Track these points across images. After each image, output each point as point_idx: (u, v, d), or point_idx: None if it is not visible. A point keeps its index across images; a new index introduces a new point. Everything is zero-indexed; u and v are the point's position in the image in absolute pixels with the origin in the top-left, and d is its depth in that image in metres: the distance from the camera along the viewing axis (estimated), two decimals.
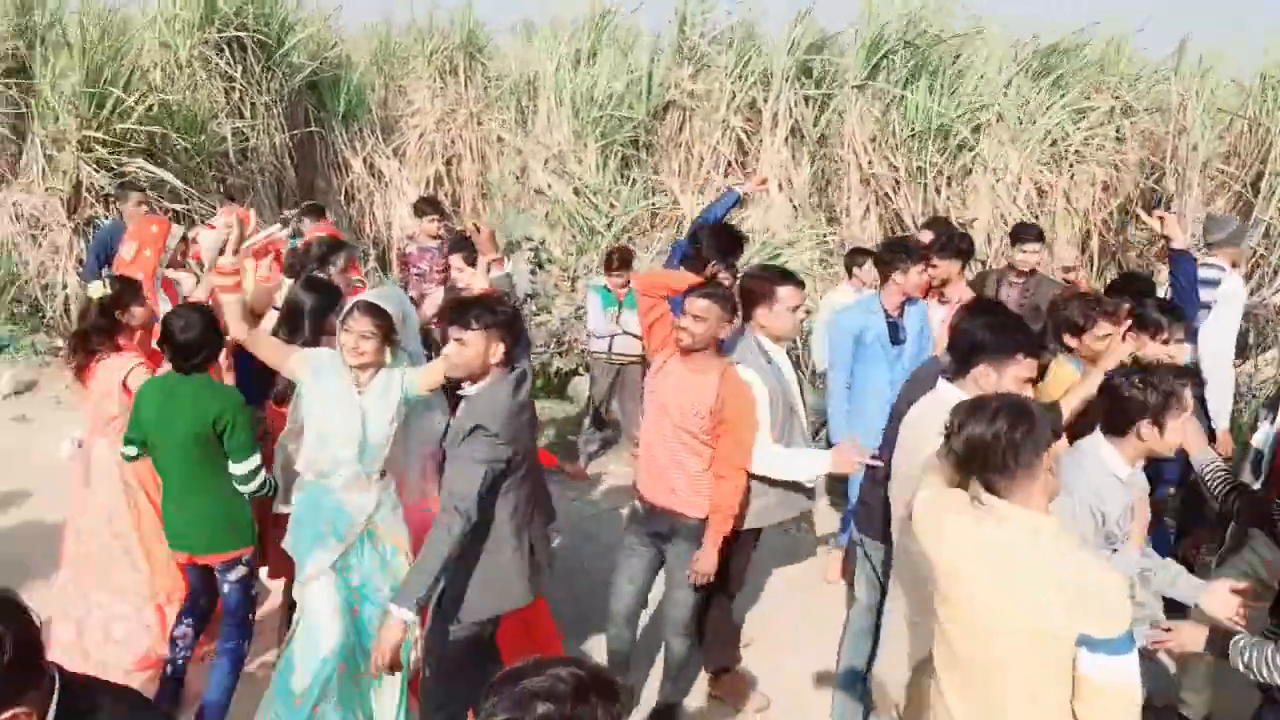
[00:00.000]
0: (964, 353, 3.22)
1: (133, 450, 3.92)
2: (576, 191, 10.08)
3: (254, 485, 3.75)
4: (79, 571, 4.39)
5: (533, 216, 10.10)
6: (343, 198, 12.56)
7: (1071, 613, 2.22)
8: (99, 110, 9.49)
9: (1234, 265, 5.57)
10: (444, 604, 3.47)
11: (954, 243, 5.60)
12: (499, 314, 3.35)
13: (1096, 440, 3.05)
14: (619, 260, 6.67)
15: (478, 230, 4.34)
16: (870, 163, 9.87)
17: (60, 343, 9.24)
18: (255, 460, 3.75)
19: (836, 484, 6.19)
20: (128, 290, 4.36)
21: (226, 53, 11.20)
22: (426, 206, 7.25)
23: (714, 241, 4.84)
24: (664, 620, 4.05)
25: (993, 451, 2.32)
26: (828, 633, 4.85)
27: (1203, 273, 5.27)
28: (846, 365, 4.99)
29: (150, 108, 9.77)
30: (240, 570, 3.87)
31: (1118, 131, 10.17)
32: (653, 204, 10.35)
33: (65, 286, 9.41)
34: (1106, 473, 2.99)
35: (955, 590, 2.45)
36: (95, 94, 9.47)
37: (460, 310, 3.38)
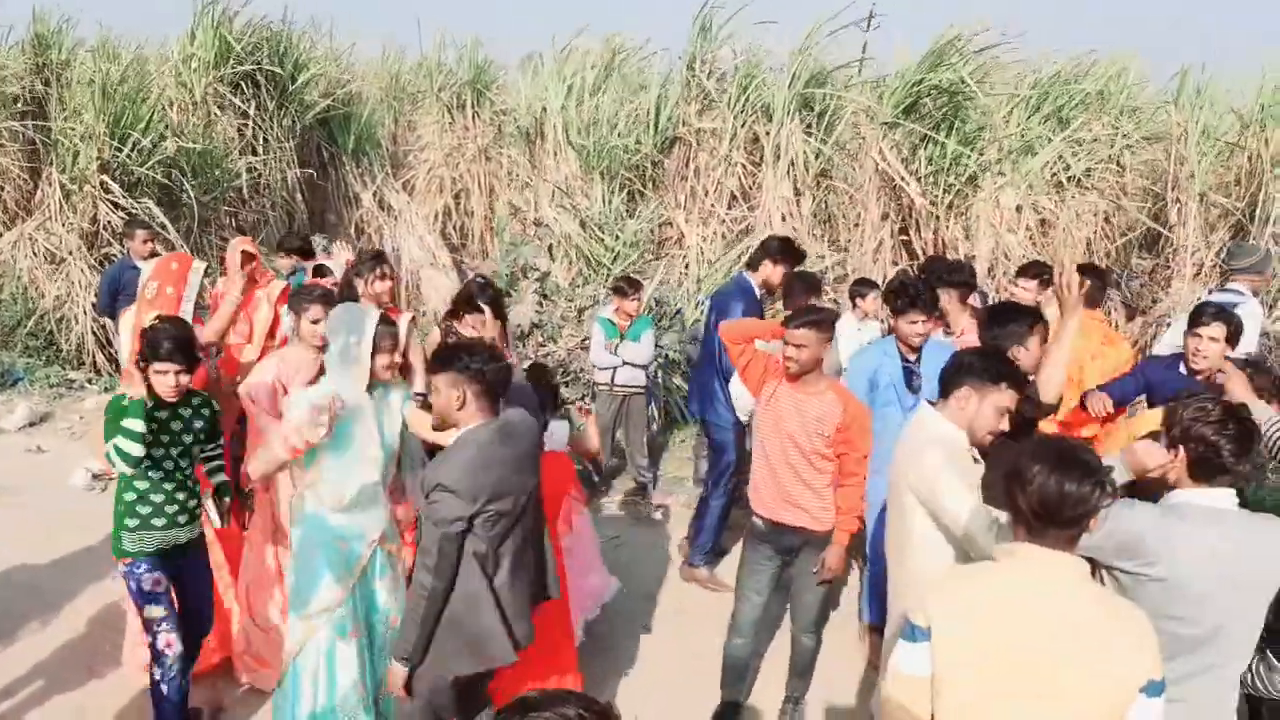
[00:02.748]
0: (949, 375, 3.22)
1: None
2: (583, 224, 10.19)
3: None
4: None
5: (539, 247, 10.22)
6: (353, 231, 12.73)
7: (1137, 657, 2.10)
8: (119, 150, 9.71)
9: (1255, 293, 5.92)
10: (429, 654, 3.23)
11: (949, 275, 5.68)
12: (471, 361, 3.14)
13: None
14: (629, 284, 6.87)
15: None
16: (886, 196, 10.01)
17: (74, 375, 9.40)
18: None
19: None
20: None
21: (241, 90, 11.45)
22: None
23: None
24: (794, 621, 4.38)
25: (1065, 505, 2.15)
26: None
27: (1223, 296, 5.45)
28: None
29: (167, 147, 9.99)
30: (120, 578, 3.88)
31: (1118, 162, 10.25)
32: (656, 236, 10.48)
33: (79, 321, 9.57)
34: None
35: (1003, 662, 2.16)
36: (116, 133, 9.69)
37: (436, 355, 3.31)
